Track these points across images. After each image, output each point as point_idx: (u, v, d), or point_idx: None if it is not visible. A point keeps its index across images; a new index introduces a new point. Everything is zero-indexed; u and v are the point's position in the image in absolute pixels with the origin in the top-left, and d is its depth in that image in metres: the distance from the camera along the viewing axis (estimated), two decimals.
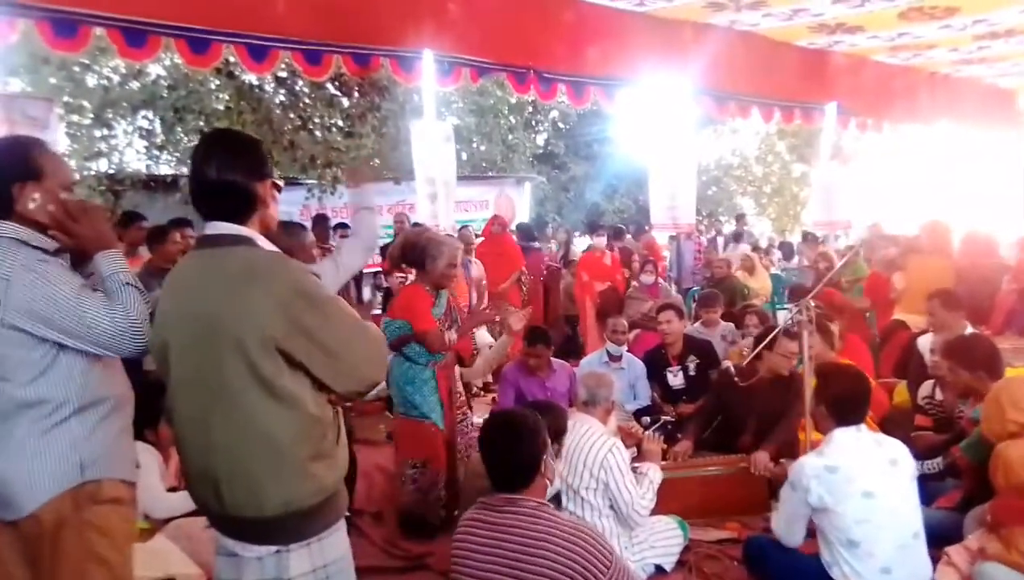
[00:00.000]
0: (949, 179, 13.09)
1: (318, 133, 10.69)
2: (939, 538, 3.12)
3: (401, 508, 4.09)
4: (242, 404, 1.81)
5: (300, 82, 10.44)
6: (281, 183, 2.06)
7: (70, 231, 2.03)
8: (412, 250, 4.15)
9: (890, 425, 4.20)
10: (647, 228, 9.27)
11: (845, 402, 3.01)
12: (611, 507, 3.37)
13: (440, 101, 7.33)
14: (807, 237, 10.96)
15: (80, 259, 2.12)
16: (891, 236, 9.04)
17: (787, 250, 13.30)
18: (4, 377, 1.94)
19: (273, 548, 1.87)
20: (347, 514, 2.10)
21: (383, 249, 8.19)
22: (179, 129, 11.25)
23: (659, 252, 9.20)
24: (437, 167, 6.92)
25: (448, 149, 7.14)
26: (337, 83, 10.32)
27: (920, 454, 3.50)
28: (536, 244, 9.26)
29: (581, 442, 3.37)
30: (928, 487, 3.41)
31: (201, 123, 10.57)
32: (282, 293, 1.79)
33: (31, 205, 2.00)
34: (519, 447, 2.49)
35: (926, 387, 4.54)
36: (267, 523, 1.85)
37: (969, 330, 4.69)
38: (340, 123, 10.99)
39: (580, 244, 11.39)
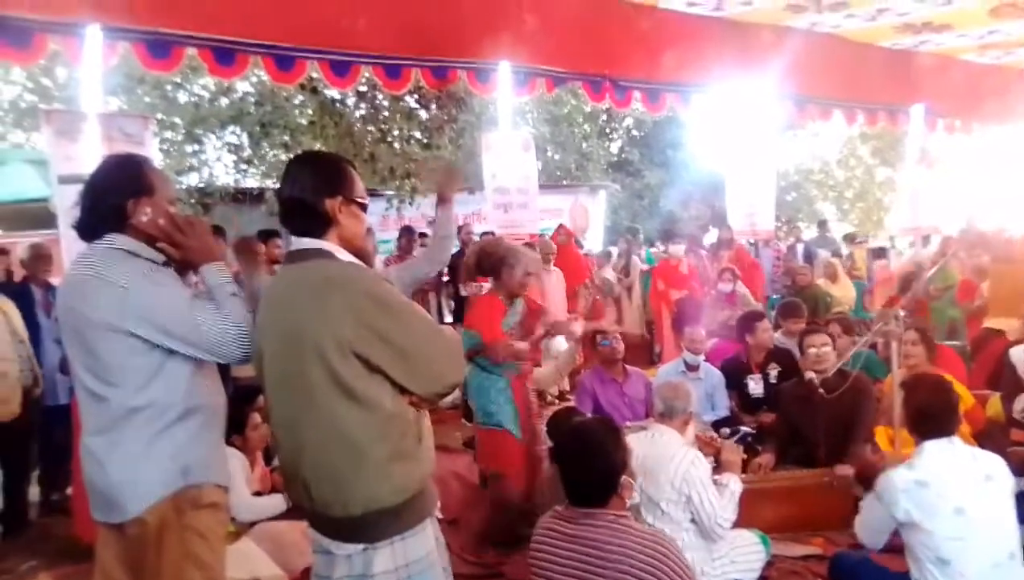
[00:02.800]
0: None
1: (397, 145, 10.93)
2: None
3: (480, 517, 4.14)
4: (324, 407, 1.90)
5: (380, 96, 10.70)
6: (365, 200, 2.13)
7: (179, 243, 2.15)
8: (489, 258, 4.18)
9: (984, 439, 4.02)
10: (729, 235, 9.10)
11: (929, 413, 2.92)
12: (692, 521, 3.31)
13: (515, 111, 7.40)
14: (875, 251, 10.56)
15: (184, 270, 2.24)
16: (983, 240, 8.66)
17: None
18: (115, 383, 2.05)
19: (360, 546, 1.95)
20: (437, 516, 2.16)
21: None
22: (265, 144, 11.69)
23: (745, 260, 9.04)
24: (511, 177, 6.99)
25: (527, 158, 7.20)
26: (416, 96, 10.54)
27: (1018, 470, 3.35)
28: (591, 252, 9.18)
29: (661, 454, 3.33)
30: None
31: (287, 137, 10.95)
32: (355, 300, 1.89)
33: (144, 218, 2.12)
34: (598, 463, 2.48)
35: (1022, 400, 4.35)
36: (352, 521, 1.93)
37: None
38: (418, 135, 11.22)
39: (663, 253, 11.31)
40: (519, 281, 4.13)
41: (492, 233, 7.00)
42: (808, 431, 4.33)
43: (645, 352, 8.28)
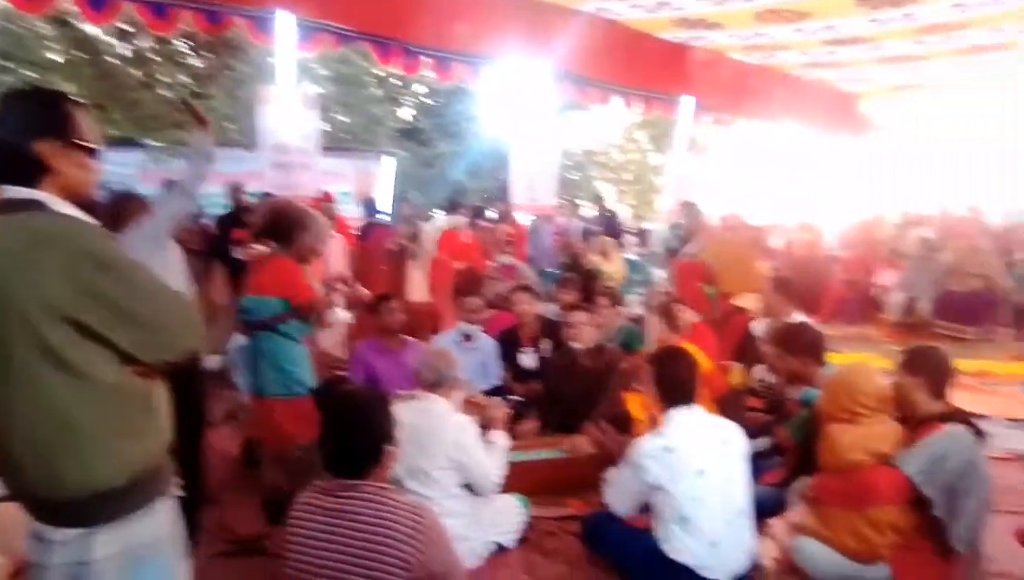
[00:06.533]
0: (792, 175, 13.95)
1: (163, 92, 10.02)
2: (765, 512, 3.29)
3: (274, 492, 3.87)
4: (32, 379, 1.67)
5: (146, 37, 9.75)
6: (91, 144, 1.86)
7: None
8: (282, 220, 3.90)
9: (725, 406, 4.41)
10: (511, 209, 9.30)
11: (672, 383, 3.14)
12: (460, 486, 3.35)
13: (300, 67, 7.04)
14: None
15: None
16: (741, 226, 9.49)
17: (643, 237, 13.72)
18: None
19: (78, 530, 1.75)
20: (180, 494, 1.98)
21: (221, 219, 7.77)
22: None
23: (522, 233, 9.28)
24: (291, 135, 6.67)
25: (310, 117, 6.89)
26: (188, 41, 9.71)
27: (753, 433, 3.69)
28: (384, 219, 9.08)
29: (431, 423, 3.32)
30: (757, 465, 3.59)
31: (32, 74, 9.65)
32: (71, 258, 1.65)
33: None
34: (361, 433, 2.40)
35: (759, 370, 4.81)
36: (68, 504, 1.74)
37: (798, 318, 4.98)
38: (189, 81, 10.36)
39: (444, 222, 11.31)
40: (311, 246, 3.91)
41: (269, 194, 6.64)
42: (568, 399, 4.53)
43: (432, 322, 8.27)
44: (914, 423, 3.08)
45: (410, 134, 19.45)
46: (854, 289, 9.56)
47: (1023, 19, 8.45)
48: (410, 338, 5.02)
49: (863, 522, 2.97)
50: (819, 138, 13.32)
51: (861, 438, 3.02)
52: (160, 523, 1.88)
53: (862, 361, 4.70)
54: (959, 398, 4.25)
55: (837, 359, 4.65)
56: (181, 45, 9.85)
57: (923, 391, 3.09)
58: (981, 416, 5.14)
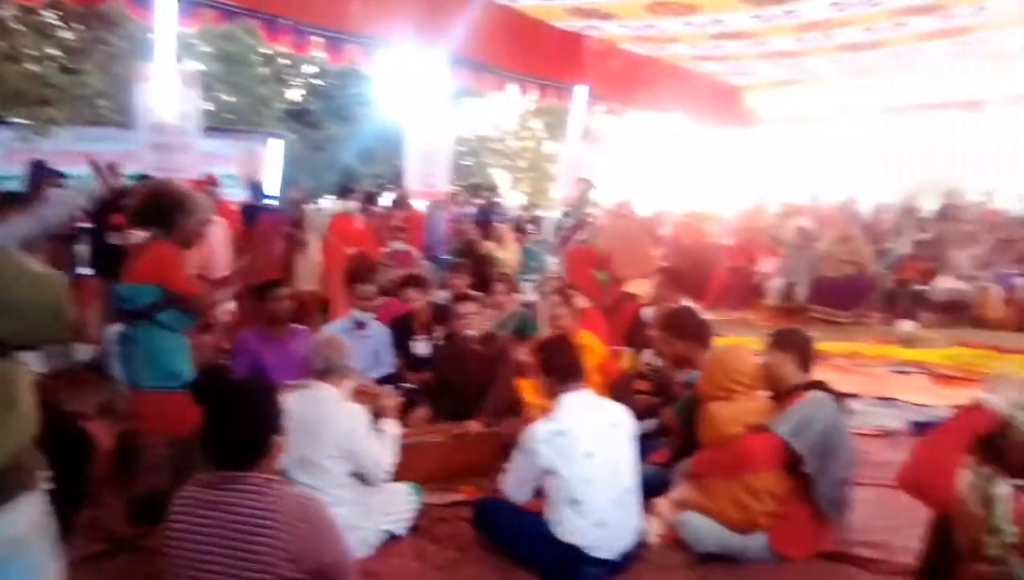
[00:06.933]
0: (681, 165, 14.35)
1: (30, 66, 9.33)
2: (651, 491, 3.40)
3: (142, 492, 3.67)
4: None
5: (8, 6, 9.05)
6: None
7: None
8: (162, 203, 3.68)
9: (615, 389, 4.51)
10: (405, 195, 9.19)
11: (560, 370, 3.21)
12: (350, 475, 3.31)
13: (180, 43, 6.72)
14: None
15: None
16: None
17: (538, 224, 13.83)
18: None
19: None
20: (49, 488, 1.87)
21: (95, 204, 7.32)
22: None
23: (417, 220, 9.18)
24: (171, 114, 6.38)
25: (190, 96, 6.60)
26: (56, 11, 9.08)
27: (640, 415, 3.79)
28: (271, 203, 8.82)
29: (322, 412, 3.27)
30: (644, 445, 3.69)
31: None
32: None
33: None
34: (247, 423, 2.30)
35: (647, 354, 4.95)
36: None
37: (684, 304, 5.14)
38: (58, 55, 9.68)
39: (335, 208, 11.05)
40: (193, 230, 3.71)
41: (147, 176, 6.30)
42: (460, 387, 4.53)
43: (322, 310, 8.07)
44: (783, 395, 3.36)
45: (299, 116, 18.90)
46: (737, 276, 9.95)
47: (895, 19, 8.96)
48: (298, 327, 4.88)
49: (743, 490, 3.17)
50: (707, 129, 13.76)
51: (737, 412, 3.25)
52: (24, 519, 1.77)
53: (741, 343, 4.89)
54: (832, 378, 4.52)
55: (723, 342, 4.84)
56: (49, 16, 9.19)
57: (790, 365, 3.39)
58: (852, 395, 5.47)
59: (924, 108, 12.78)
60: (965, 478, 2.13)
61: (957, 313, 8.47)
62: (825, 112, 13.76)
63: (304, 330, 4.91)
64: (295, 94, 19.55)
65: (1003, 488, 2.06)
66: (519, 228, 12.32)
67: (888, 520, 3.53)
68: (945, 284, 8.72)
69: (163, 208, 3.67)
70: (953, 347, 7.27)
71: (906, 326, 7.83)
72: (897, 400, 5.70)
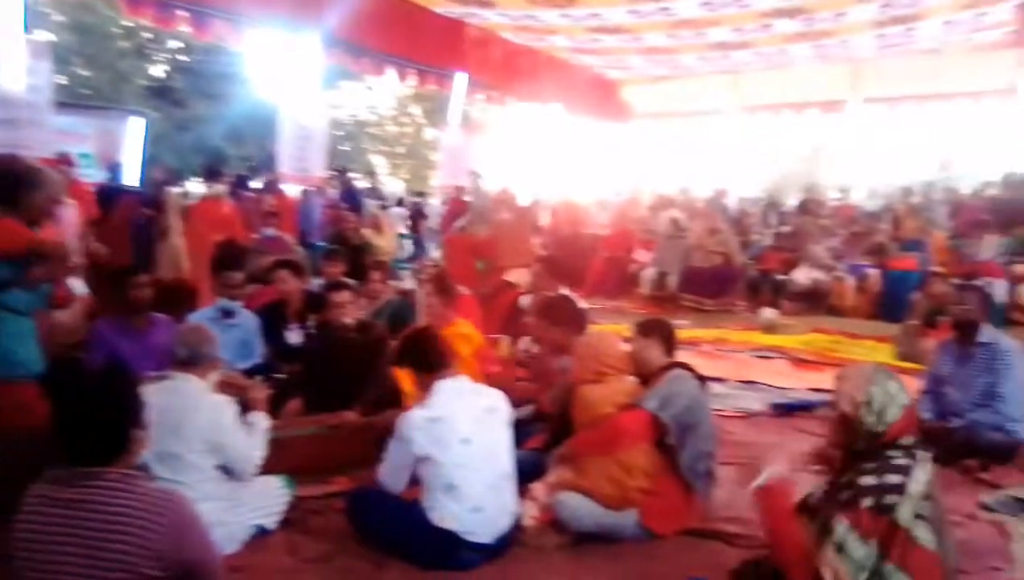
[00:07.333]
0: (561, 155, 14.58)
1: None
2: (527, 476, 3.43)
3: None
4: None
5: None
6: None
7: None
8: (5, 177, 3.43)
9: (492, 376, 4.52)
10: (277, 179, 8.89)
11: (425, 362, 3.23)
12: (217, 469, 3.19)
13: (30, 12, 6.24)
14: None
15: None
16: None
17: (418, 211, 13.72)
18: None
19: None
20: None
21: None
22: None
23: (290, 205, 8.89)
24: (19, 87, 5.97)
25: (41, 68, 6.19)
26: None
27: (516, 402, 3.82)
28: (133, 185, 8.36)
29: (186, 404, 3.15)
30: (522, 431, 3.73)
31: None
32: None
33: None
34: (103, 417, 2.16)
35: (525, 341, 4.99)
36: None
37: (562, 292, 5.21)
38: None
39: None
40: (41, 207, 3.47)
41: None
42: (334, 377, 4.41)
43: (187, 298, 7.69)
44: (649, 377, 3.54)
45: (163, 93, 17.90)
46: (614, 265, 10.20)
47: (762, 20, 9.40)
48: (160, 316, 4.62)
49: (616, 466, 3.28)
50: (585, 121, 14.01)
51: (608, 394, 3.38)
52: None
53: (613, 330, 5.02)
54: (700, 362, 4.70)
55: (600, 329, 4.95)
56: None
57: (655, 350, 3.60)
58: (718, 379, 5.72)
59: (788, 107, 13.45)
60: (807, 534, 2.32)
61: (814, 301, 8.97)
62: (697, 108, 14.26)
63: (166, 319, 4.67)
64: (159, 70, 18.49)
65: (840, 525, 2.20)
66: (416, 215, 12.21)
67: (751, 497, 3.70)
68: (803, 274, 9.21)
69: (7, 182, 3.43)
70: (810, 333, 7.72)
71: (768, 314, 8.23)
72: (759, 383, 6.00)
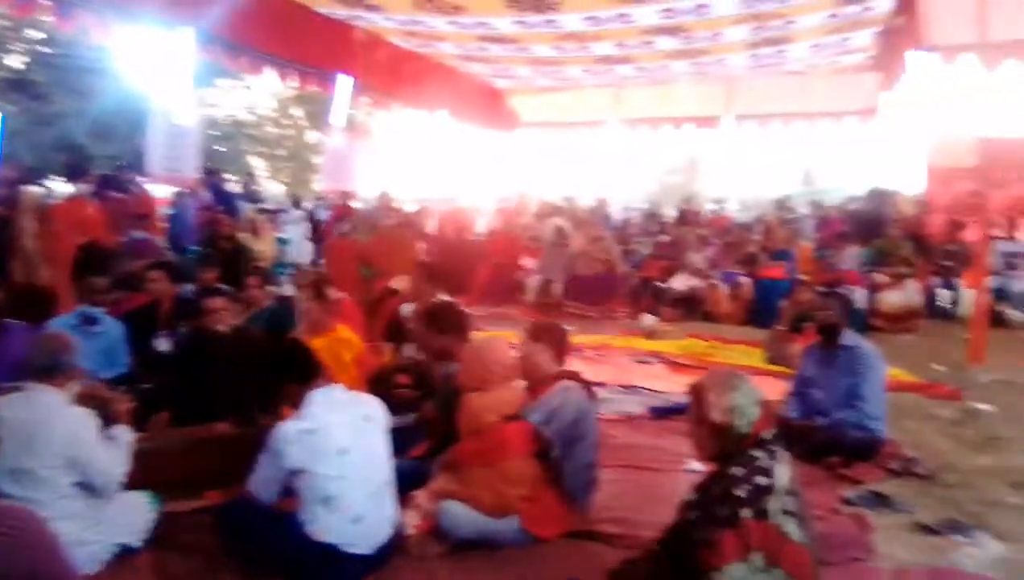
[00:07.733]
0: (447, 161, 14.57)
1: None
2: (409, 484, 3.37)
3: None
4: None
5: None
6: None
7: None
8: None
9: (374, 384, 4.44)
10: (143, 179, 8.45)
11: (294, 375, 3.14)
12: (75, 486, 3.01)
13: None
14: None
15: None
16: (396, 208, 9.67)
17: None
18: None
19: None
20: None
21: None
22: None
23: (154, 206, 8.47)
24: None
25: None
26: None
27: (399, 409, 3.76)
28: None
29: (40, 417, 2.96)
30: (402, 439, 3.66)
31: None
32: None
33: None
34: None
35: (408, 348, 4.94)
36: None
37: (443, 298, 5.18)
38: None
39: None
40: None
41: None
42: (207, 386, 4.23)
43: (45, 304, 7.17)
44: (536, 383, 3.56)
45: (21, 86, 16.69)
46: (499, 272, 10.26)
47: (643, 37, 9.68)
48: (13, 322, 4.32)
49: (498, 477, 3.26)
50: (472, 128, 14.03)
51: (493, 402, 3.33)
52: None
53: (500, 336, 5.04)
54: (583, 368, 4.78)
55: (485, 335, 4.94)
56: None
57: (545, 356, 3.63)
58: (600, 384, 5.83)
59: (667, 121, 13.91)
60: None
61: (691, 308, 9.30)
62: (581, 119, 14.54)
63: (21, 326, 4.36)
64: (16, 61, 17.24)
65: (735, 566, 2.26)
66: (313, 219, 11.82)
67: (630, 499, 3.83)
68: (682, 282, 9.55)
69: None
70: (687, 339, 8.00)
71: (648, 320, 8.48)
72: (639, 387, 6.16)
